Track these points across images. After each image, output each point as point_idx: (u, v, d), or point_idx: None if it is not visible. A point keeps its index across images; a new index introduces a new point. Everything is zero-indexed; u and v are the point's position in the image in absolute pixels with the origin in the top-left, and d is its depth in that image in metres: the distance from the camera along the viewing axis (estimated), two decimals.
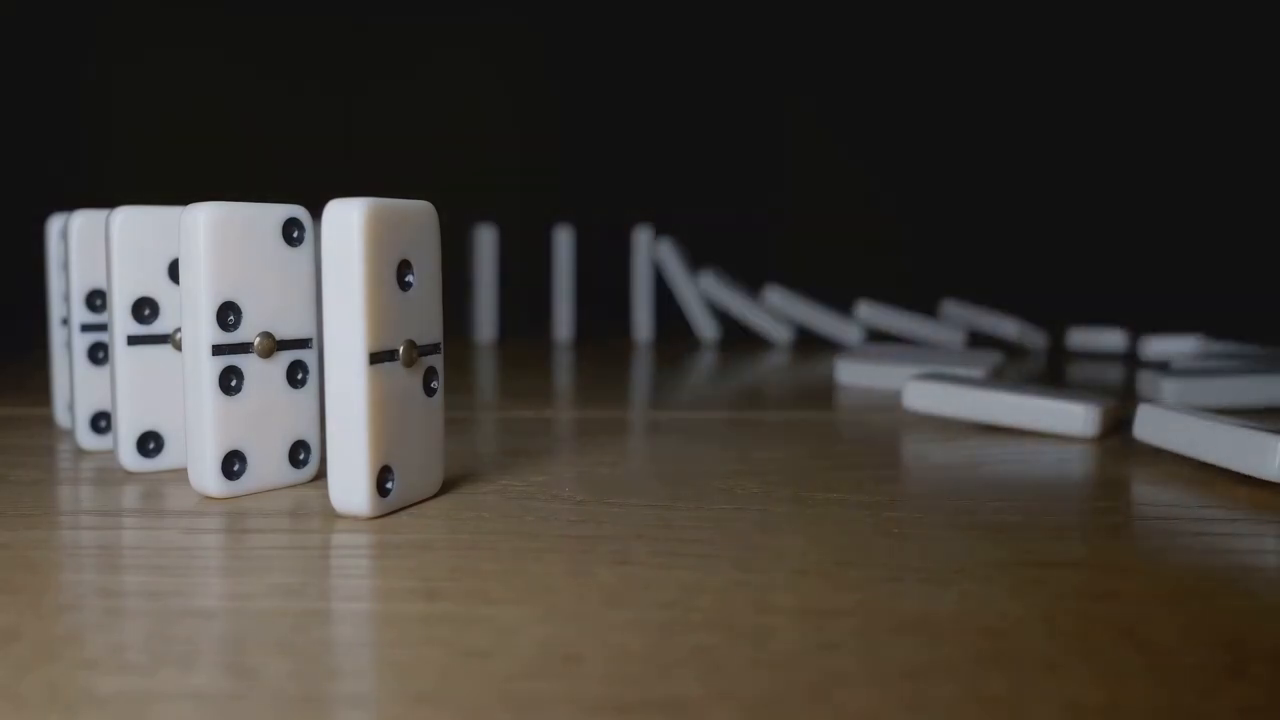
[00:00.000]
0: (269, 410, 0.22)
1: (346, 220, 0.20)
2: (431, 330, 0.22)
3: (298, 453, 0.23)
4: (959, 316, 0.55)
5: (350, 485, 0.20)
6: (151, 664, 0.14)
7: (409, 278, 0.21)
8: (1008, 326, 0.53)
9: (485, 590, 0.17)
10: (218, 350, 0.21)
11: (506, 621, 0.16)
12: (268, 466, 0.23)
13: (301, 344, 0.23)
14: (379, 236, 0.20)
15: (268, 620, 0.16)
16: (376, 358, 0.20)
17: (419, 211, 0.21)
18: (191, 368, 0.21)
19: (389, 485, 0.21)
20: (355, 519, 0.21)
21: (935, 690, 0.13)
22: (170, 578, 0.18)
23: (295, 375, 0.23)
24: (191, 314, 0.21)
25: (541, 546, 0.19)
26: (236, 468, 0.22)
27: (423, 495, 0.22)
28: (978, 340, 0.54)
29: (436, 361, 0.22)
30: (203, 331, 0.21)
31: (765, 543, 0.19)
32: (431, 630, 0.15)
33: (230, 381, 0.22)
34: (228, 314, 0.22)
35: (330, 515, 0.21)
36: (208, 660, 0.14)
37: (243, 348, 0.22)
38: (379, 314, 0.20)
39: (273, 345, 0.22)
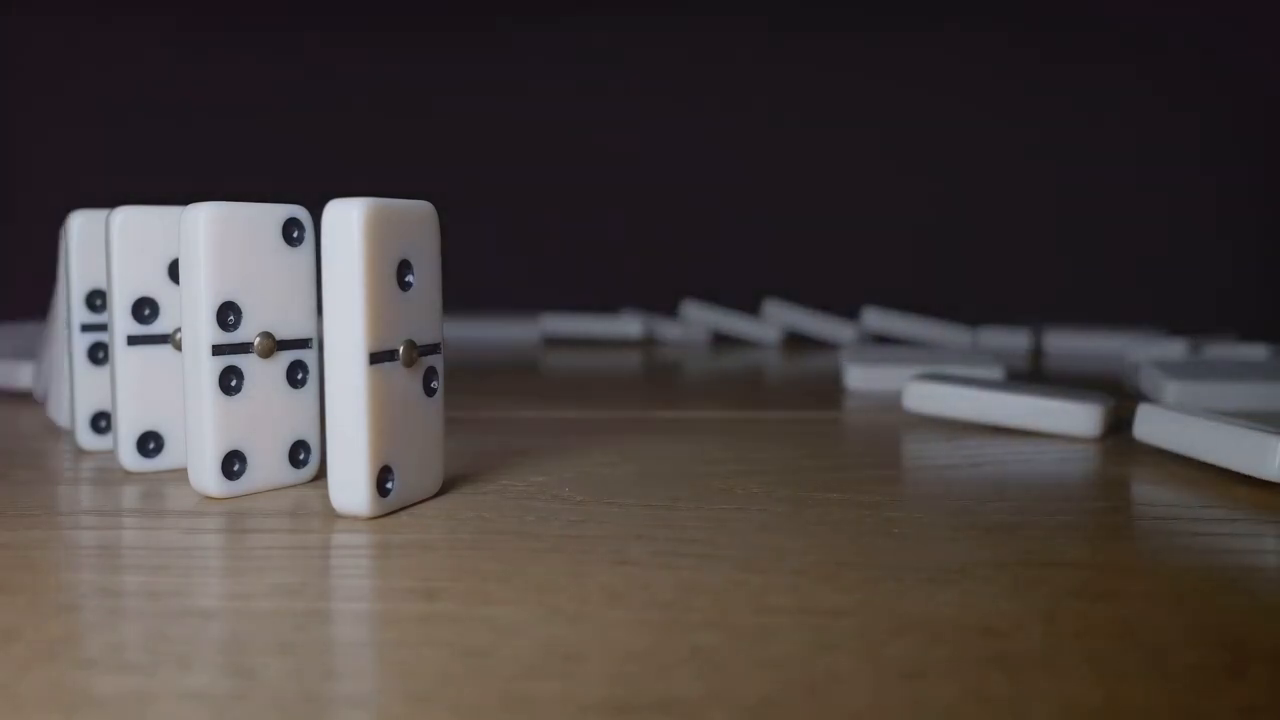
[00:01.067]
0: (269, 410, 0.22)
1: (346, 220, 0.20)
2: (431, 330, 0.22)
3: (298, 453, 0.23)
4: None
5: (350, 485, 0.20)
6: (151, 664, 0.14)
7: (409, 278, 0.21)
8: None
9: (485, 590, 0.17)
10: (218, 350, 0.21)
11: (506, 621, 0.16)
12: (268, 466, 0.23)
13: (301, 344, 0.23)
14: (379, 236, 0.20)
15: (268, 620, 0.16)
16: (376, 358, 0.20)
17: (419, 211, 0.21)
18: (191, 368, 0.21)
19: (389, 485, 0.21)
20: (355, 519, 0.21)
21: (935, 690, 0.13)
22: (170, 578, 0.18)
23: (295, 375, 0.23)
24: (191, 314, 0.21)
25: (541, 546, 0.19)
26: (236, 468, 0.22)
27: (423, 495, 0.22)
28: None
29: (436, 361, 0.22)
30: (203, 331, 0.21)
31: (765, 543, 0.19)
32: (431, 630, 0.15)
33: (230, 381, 0.22)
34: (228, 314, 0.22)
35: (330, 515, 0.21)
36: (208, 660, 0.14)
37: (243, 348, 0.22)
38: (379, 314, 0.20)
39: (273, 345, 0.22)
